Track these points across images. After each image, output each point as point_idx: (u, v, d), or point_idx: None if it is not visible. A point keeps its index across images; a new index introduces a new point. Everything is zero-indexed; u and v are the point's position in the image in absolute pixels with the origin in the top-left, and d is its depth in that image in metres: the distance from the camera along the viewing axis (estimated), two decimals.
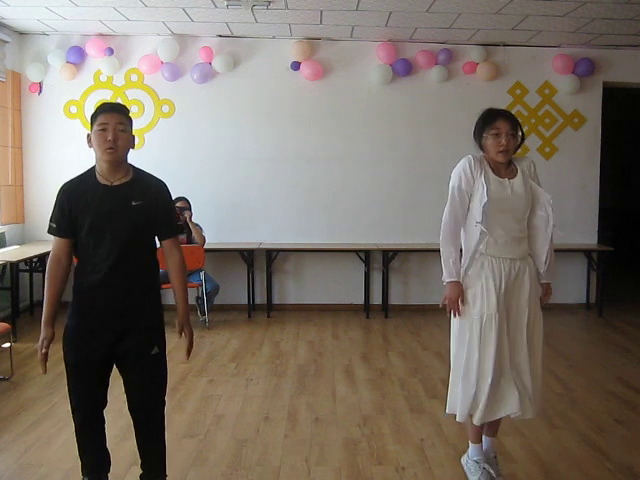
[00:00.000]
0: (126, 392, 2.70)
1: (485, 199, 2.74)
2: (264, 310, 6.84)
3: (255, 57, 6.85)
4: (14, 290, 5.70)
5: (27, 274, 6.42)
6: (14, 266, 5.67)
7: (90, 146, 2.55)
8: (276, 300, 7.08)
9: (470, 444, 2.97)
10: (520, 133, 2.85)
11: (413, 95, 6.94)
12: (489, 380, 2.76)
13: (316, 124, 6.94)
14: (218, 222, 6.85)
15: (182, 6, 5.66)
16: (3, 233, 6.39)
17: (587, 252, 7.08)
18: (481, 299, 2.80)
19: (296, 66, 6.80)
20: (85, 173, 2.62)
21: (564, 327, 6.47)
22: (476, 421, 2.82)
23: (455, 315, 2.85)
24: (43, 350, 2.54)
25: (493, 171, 2.85)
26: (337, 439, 3.53)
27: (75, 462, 3.14)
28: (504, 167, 2.88)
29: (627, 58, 6.99)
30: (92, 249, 2.55)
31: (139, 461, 2.83)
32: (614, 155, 9.50)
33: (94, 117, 2.54)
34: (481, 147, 2.89)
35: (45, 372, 2.59)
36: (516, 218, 2.82)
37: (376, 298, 6.96)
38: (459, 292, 2.82)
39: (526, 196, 2.82)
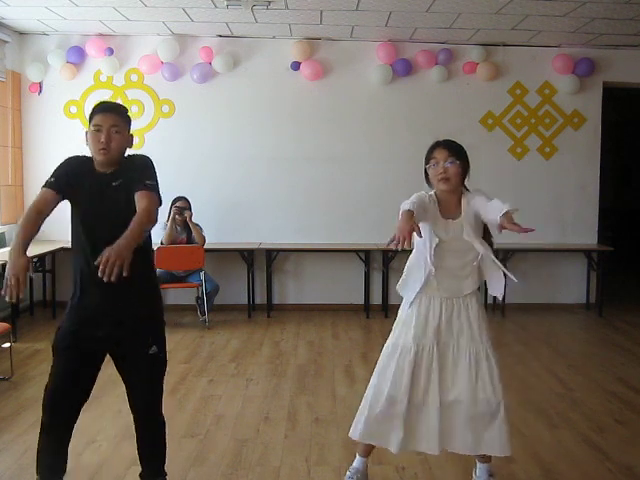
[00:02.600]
0: (127, 392, 2.69)
1: (436, 240, 2.68)
2: (264, 310, 6.84)
3: (255, 57, 6.85)
4: None
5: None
6: None
7: (87, 144, 2.56)
8: (276, 300, 7.08)
9: (357, 455, 2.94)
10: (458, 161, 2.68)
11: (413, 95, 6.94)
12: (399, 409, 2.68)
13: (316, 124, 6.94)
14: (218, 222, 6.85)
15: (182, 6, 5.66)
16: (3, 233, 6.38)
17: (587, 252, 7.08)
18: (401, 328, 2.79)
19: (296, 66, 6.80)
20: (88, 158, 2.61)
21: (564, 327, 6.46)
22: (394, 449, 2.73)
23: (401, 246, 2.41)
24: (19, 278, 2.27)
25: (440, 211, 2.75)
26: (337, 439, 3.53)
27: (74, 462, 3.15)
28: (453, 204, 2.74)
29: (627, 58, 6.99)
30: (86, 237, 2.53)
31: (139, 460, 2.83)
32: (614, 155, 9.50)
33: (91, 116, 2.55)
34: (428, 182, 2.80)
35: (16, 298, 2.30)
36: (457, 257, 2.72)
37: (376, 298, 6.97)
38: (413, 223, 2.47)
39: (468, 237, 2.67)
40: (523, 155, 7.07)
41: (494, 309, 6.92)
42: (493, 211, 2.50)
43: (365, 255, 6.80)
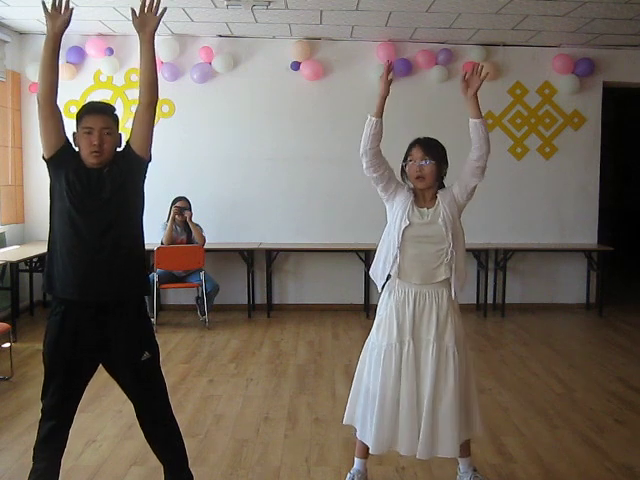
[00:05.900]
0: (134, 408, 2.61)
1: (407, 222, 2.74)
2: (264, 310, 6.84)
3: (255, 57, 6.85)
4: (14, 290, 5.70)
5: (27, 274, 6.42)
6: (14, 266, 5.67)
7: (76, 145, 2.47)
8: (276, 300, 7.08)
9: (355, 457, 2.97)
10: (433, 161, 2.78)
11: (413, 95, 6.93)
12: (383, 411, 2.71)
13: (316, 124, 6.93)
14: (218, 222, 6.85)
15: (182, 6, 5.66)
16: (3, 233, 6.39)
17: (587, 252, 7.08)
18: (384, 328, 2.80)
19: (296, 66, 6.80)
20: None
21: (564, 327, 6.46)
22: (371, 450, 2.77)
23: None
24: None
25: (415, 202, 2.82)
26: (337, 439, 3.53)
27: (74, 462, 3.15)
28: (428, 197, 2.83)
29: (627, 58, 6.99)
30: (77, 233, 2.41)
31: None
32: (614, 155, 9.51)
33: (79, 117, 2.46)
34: (404, 178, 2.91)
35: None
36: (431, 243, 2.75)
37: (376, 298, 6.89)
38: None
39: (443, 225, 2.73)
40: (523, 155, 7.07)
41: (494, 309, 6.93)
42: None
43: (365, 255, 6.79)
